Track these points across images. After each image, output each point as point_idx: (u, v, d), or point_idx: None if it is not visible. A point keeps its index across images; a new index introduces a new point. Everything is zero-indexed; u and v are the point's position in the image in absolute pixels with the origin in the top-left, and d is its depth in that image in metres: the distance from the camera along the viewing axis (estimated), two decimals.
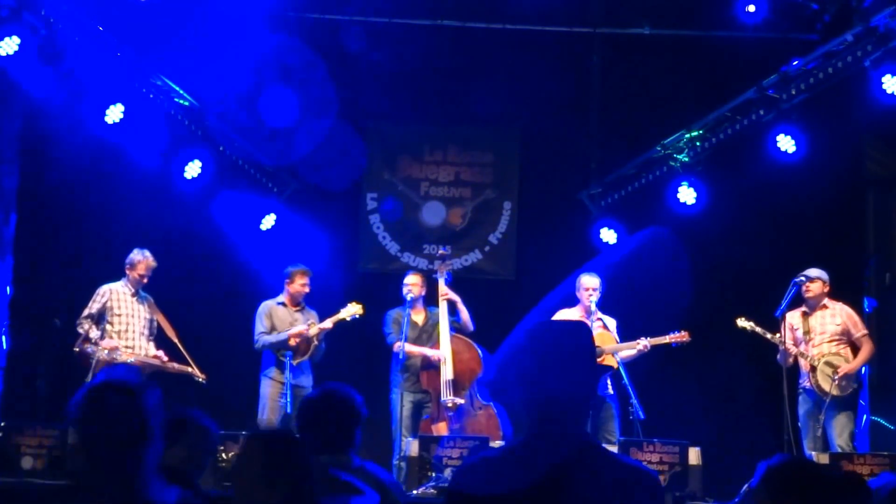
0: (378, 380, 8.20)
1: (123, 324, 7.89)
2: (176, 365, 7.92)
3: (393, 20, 9.62)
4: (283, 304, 8.34)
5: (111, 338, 7.77)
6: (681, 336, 7.81)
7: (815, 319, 7.80)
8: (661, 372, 8.31)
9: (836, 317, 7.77)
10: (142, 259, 7.99)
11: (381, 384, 8.13)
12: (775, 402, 7.61)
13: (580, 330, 2.52)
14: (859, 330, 7.76)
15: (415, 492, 6.34)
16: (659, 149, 9.25)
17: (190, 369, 7.87)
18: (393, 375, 8.18)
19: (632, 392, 7.45)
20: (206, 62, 9.09)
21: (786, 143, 8.41)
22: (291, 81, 9.53)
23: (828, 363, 7.61)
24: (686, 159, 9.12)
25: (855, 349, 7.73)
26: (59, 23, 7.81)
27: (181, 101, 8.87)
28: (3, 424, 6.61)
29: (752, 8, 8.99)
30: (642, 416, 7.40)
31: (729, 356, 8.87)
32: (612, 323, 7.98)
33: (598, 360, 7.51)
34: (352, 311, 8.23)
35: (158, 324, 8.09)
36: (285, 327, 8.22)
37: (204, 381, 7.86)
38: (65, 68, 7.89)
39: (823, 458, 6.67)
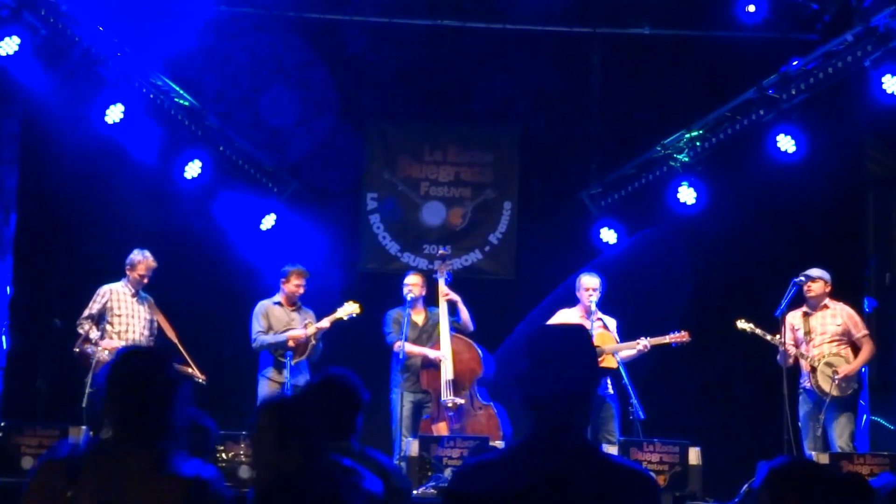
0: (378, 380, 8.19)
1: (123, 324, 7.90)
2: (175, 365, 7.90)
3: (393, 20, 9.62)
4: (279, 303, 8.34)
5: (111, 338, 7.77)
6: (681, 336, 7.81)
7: (816, 320, 7.79)
8: (661, 372, 8.32)
9: (836, 317, 7.76)
10: (142, 259, 7.99)
11: (381, 384, 8.12)
12: (775, 402, 7.61)
13: (579, 334, 2.52)
14: (860, 330, 7.76)
15: (415, 492, 6.34)
16: (659, 149, 9.25)
17: (190, 370, 7.87)
18: (393, 375, 8.18)
19: (632, 392, 7.45)
20: (206, 62, 9.10)
21: (786, 143, 8.41)
22: (291, 81, 9.54)
23: (828, 364, 7.60)
24: (686, 159, 9.12)
25: (856, 349, 7.73)
26: (59, 23, 7.81)
27: (181, 101, 8.86)
28: (3, 424, 6.61)
29: (752, 8, 8.99)
30: (642, 416, 7.40)
31: (729, 356, 8.88)
32: (612, 323, 7.98)
33: (599, 359, 7.51)
34: (349, 310, 8.23)
35: (158, 324, 8.09)
36: (282, 327, 8.22)
37: (204, 382, 7.85)
38: (65, 68, 7.89)
39: (823, 459, 6.67)
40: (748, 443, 8.56)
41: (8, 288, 8.52)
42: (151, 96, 8.66)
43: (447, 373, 8.00)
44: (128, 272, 8.00)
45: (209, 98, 9.08)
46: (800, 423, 7.71)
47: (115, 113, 8.13)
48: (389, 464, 3.84)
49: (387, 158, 10.19)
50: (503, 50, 9.76)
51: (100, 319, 7.84)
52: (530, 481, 2.33)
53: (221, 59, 9.24)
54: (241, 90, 9.40)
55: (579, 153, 9.96)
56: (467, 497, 2.39)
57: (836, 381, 7.49)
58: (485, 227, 10.10)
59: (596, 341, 7.57)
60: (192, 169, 8.91)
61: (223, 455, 6.32)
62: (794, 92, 8.35)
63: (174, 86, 8.76)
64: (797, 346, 7.73)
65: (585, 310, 7.89)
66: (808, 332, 7.77)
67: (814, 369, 7.63)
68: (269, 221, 9.52)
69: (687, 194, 9.01)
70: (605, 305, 7.98)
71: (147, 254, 8.02)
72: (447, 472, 6.48)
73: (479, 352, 8.11)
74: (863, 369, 7.78)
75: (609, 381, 7.83)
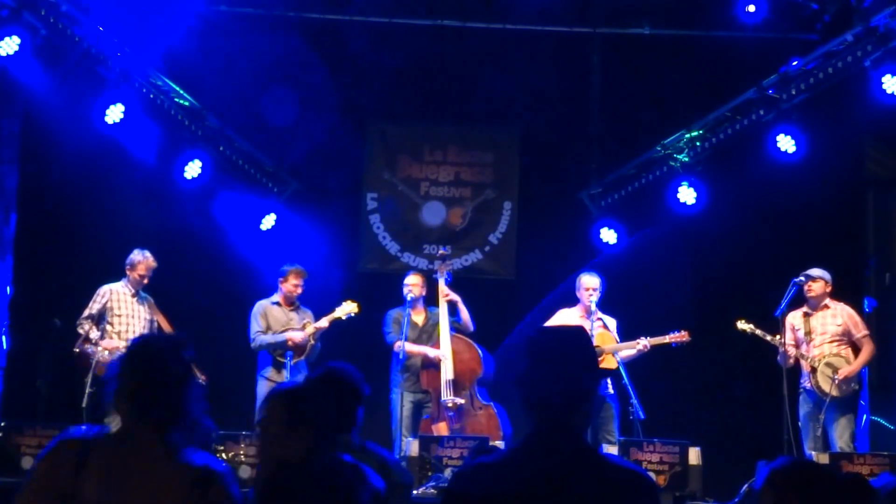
0: (378, 380, 8.18)
1: (123, 324, 7.90)
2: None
3: (393, 20, 9.62)
4: (277, 303, 8.33)
5: (111, 338, 7.77)
6: (681, 336, 7.81)
7: (817, 320, 7.79)
8: (661, 372, 8.32)
9: (837, 317, 7.76)
10: (142, 259, 7.99)
11: (381, 384, 8.12)
12: (775, 402, 7.61)
13: (579, 335, 2.52)
14: (860, 330, 7.75)
15: (415, 492, 6.34)
16: (659, 149, 9.25)
17: None
18: (393, 375, 8.18)
19: (632, 392, 7.45)
20: (206, 62, 9.10)
21: (786, 143, 8.41)
22: (291, 81, 9.53)
23: (828, 364, 7.60)
24: (686, 159, 9.12)
25: (856, 349, 7.72)
26: (59, 23, 7.81)
27: (181, 101, 8.87)
28: (3, 424, 6.62)
29: (752, 8, 8.99)
30: (642, 416, 7.40)
31: (729, 356, 8.87)
32: (612, 323, 7.98)
33: (599, 359, 7.51)
34: (347, 309, 8.23)
35: (158, 324, 8.08)
36: (280, 327, 8.21)
37: (203, 382, 7.84)
38: (65, 68, 7.89)
39: (823, 459, 6.67)
40: (748, 443, 8.55)
41: (8, 288, 8.52)
42: (151, 96, 8.66)
43: (447, 373, 8.00)
44: (128, 272, 8.00)
45: (209, 98, 9.08)
46: (800, 424, 7.71)
47: (115, 113, 8.12)
48: (390, 457, 3.87)
49: (387, 158, 10.19)
50: (503, 50, 9.75)
51: (100, 319, 7.84)
52: (529, 482, 2.34)
53: (222, 59, 9.24)
54: (241, 90, 9.39)
55: (579, 153, 9.96)
56: (467, 497, 2.40)
57: (836, 382, 7.49)
58: (485, 227, 10.10)
59: (596, 341, 7.57)
60: (192, 169, 8.91)
61: (223, 455, 6.33)
62: (794, 92, 8.36)
63: (174, 86, 8.76)
64: (797, 346, 7.73)
65: (585, 310, 7.88)
66: (808, 333, 7.77)
67: (814, 369, 7.62)
68: (268, 221, 9.52)
69: (687, 194, 9.01)
70: (605, 305, 7.98)
71: (147, 254, 8.02)
72: (447, 472, 6.49)
73: (480, 352, 8.11)
74: (863, 369, 7.79)
75: (609, 381, 7.82)
